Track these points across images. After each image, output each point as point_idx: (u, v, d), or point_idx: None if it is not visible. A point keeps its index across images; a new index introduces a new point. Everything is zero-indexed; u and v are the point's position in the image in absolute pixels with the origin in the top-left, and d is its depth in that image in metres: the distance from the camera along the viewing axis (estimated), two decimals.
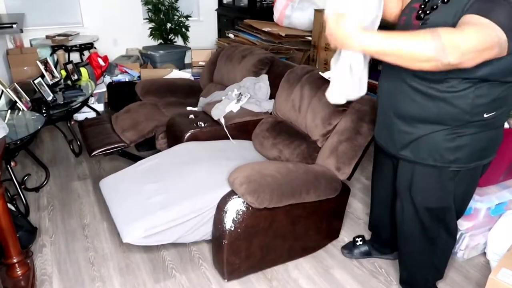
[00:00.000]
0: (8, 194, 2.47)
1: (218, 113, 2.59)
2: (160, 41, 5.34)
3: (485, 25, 1.13)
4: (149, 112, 3.01)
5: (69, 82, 3.57)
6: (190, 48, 5.26)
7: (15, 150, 2.55)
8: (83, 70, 3.78)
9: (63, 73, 3.64)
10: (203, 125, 2.58)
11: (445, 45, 1.10)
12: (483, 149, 1.43)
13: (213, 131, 2.57)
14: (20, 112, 2.82)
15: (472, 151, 1.41)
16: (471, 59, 1.13)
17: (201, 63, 4.69)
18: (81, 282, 1.97)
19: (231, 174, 1.88)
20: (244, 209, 1.81)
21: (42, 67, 3.36)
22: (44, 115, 2.83)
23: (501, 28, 1.13)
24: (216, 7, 5.60)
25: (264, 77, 2.75)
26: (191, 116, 2.72)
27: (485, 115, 1.34)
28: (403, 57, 1.16)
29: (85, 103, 3.51)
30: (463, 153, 1.41)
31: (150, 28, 5.28)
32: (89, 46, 4.63)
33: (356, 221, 2.45)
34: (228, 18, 5.32)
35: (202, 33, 5.60)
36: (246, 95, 2.63)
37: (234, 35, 4.28)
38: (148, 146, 3.00)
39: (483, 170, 1.56)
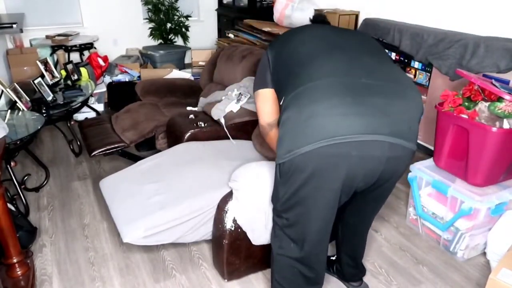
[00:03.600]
0: (8, 194, 2.47)
1: (218, 113, 2.59)
2: (160, 41, 5.34)
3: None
4: (149, 112, 3.01)
5: (69, 82, 3.57)
6: (190, 48, 5.27)
7: (15, 150, 2.55)
8: (83, 70, 3.78)
9: (63, 73, 3.64)
10: (203, 125, 2.58)
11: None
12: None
13: (213, 131, 2.57)
14: (20, 112, 2.82)
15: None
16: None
17: (201, 63, 4.69)
18: (81, 282, 1.97)
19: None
20: None
21: (42, 67, 3.37)
22: (44, 115, 2.83)
23: (254, 92, 1.66)
24: (216, 7, 5.61)
25: None
26: (191, 116, 2.72)
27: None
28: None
29: (85, 103, 3.51)
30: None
31: (150, 28, 5.28)
32: (89, 46, 4.63)
33: None
34: (228, 18, 5.32)
35: (202, 33, 5.61)
36: (246, 95, 2.63)
37: (234, 35, 4.28)
38: (148, 146, 3.00)
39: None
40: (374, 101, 1.29)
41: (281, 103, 1.42)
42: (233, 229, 1.81)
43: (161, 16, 5.20)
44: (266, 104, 1.62)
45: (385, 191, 1.55)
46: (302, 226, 1.45)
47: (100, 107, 4.14)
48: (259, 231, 1.82)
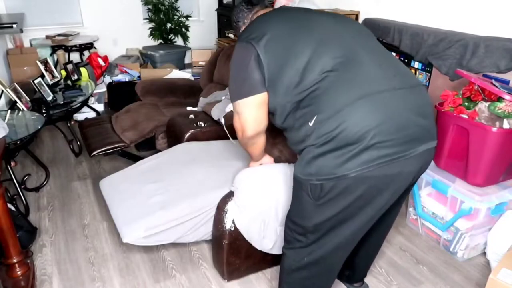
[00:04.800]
0: (8, 194, 2.47)
1: (218, 113, 2.59)
2: (160, 41, 5.34)
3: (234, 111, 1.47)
4: (149, 112, 3.01)
5: (69, 82, 3.57)
6: (190, 48, 5.27)
7: (15, 150, 2.55)
8: (83, 70, 3.78)
9: (63, 73, 3.65)
10: (203, 125, 2.58)
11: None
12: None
13: (213, 131, 2.57)
14: (20, 112, 2.82)
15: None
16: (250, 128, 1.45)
17: (201, 63, 4.69)
18: (81, 282, 1.97)
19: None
20: None
21: (42, 67, 3.37)
22: (44, 115, 2.83)
23: (238, 101, 1.41)
24: (216, 7, 5.60)
25: None
26: (191, 116, 2.72)
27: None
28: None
29: (85, 103, 3.51)
30: None
31: (150, 28, 5.28)
32: (89, 46, 4.63)
33: None
34: (228, 18, 5.31)
35: (202, 33, 5.60)
36: None
37: (234, 35, 4.28)
38: (148, 146, 3.00)
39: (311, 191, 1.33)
40: (413, 110, 1.27)
41: (311, 123, 1.26)
42: (233, 229, 1.81)
43: (161, 16, 5.20)
44: (261, 110, 1.41)
45: (409, 191, 1.53)
46: (330, 242, 1.39)
47: (100, 107, 4.14)
48: (256, 239, 1.82)
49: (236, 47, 1.41)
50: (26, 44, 4.62)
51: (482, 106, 1.98)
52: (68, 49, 4.50)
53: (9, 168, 2.48)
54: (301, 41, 1.31)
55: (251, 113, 1.41)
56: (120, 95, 4.04)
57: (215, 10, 5.61)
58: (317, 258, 1.43)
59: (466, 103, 2.06)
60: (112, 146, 2.69)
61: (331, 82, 1.25)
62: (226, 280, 1.96)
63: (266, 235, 1.81)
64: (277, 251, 1.85)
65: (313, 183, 1.28)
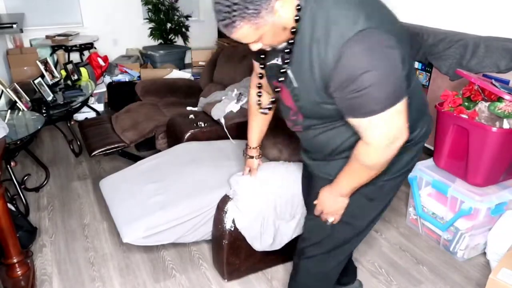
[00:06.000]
0: (8, 194, 2.47)
1: (218, 113, 2.59)
2: (160, 41, 5.34)
3: (374, 123, 1.06)
4: (149, 112, 3.01)
5: (69, 82, 3.57)
6: (190, 48, 5.26)
7: (15, 150, 2.55)
8: (83, 70, 3.78)
9: (63, 73, 3.64)
10: (203, 125, 2.58)
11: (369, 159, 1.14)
12: None
13: (213, 131, 2.57)
14: (20, 112, 2.82)
15: None
16: (398, 135, 1.09)
17: (201, 63, 4.69)
18: (81, 282, 1.97)
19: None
20: None
21: (42, 67, 3.37)
22: (44, 115, 2.83)
23: (380, 112, 1.04)
24: None
25: None
26: (191, 116, 2.72)
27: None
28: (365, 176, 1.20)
29: (85, 103, 3.51)
30: None
31: (150, 28, 5.28)
32: (89, 46, 4.63)
33: None
34: None
35: (202, 33, 5.60)
36: (246, 95, 2.63)
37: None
38: (148, 146, 3.00)
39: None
40: None
41: (421, 125, 1.29)
42: (233, 229, 1.81)
43: (161, 16, 5.20)
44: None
45: None
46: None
47: (100, 107, 4.14)
48: (257, 238, 1.82)
49: (368, 37, 0.99)
50: (26, 44, 4.62)
51: (482, 106, 1.98)
52: (68, 49, 4.50)
53: (9, 168, 2.48)
54: (401, 31, 1.14)
55: (405, 116, 1.08)
56: (120, 95, 4.04)
57: None
58: (346, 256, 1.50)
59: (466, 103, 2.06)
60: (112, 146, 2.69)
61: (413, 80, 1.22)
62: (226, 280, 1.96)
63: (265, 231, 1.81)
64: (277, 246, 1.86)
65: (383, 181, 1.30)
